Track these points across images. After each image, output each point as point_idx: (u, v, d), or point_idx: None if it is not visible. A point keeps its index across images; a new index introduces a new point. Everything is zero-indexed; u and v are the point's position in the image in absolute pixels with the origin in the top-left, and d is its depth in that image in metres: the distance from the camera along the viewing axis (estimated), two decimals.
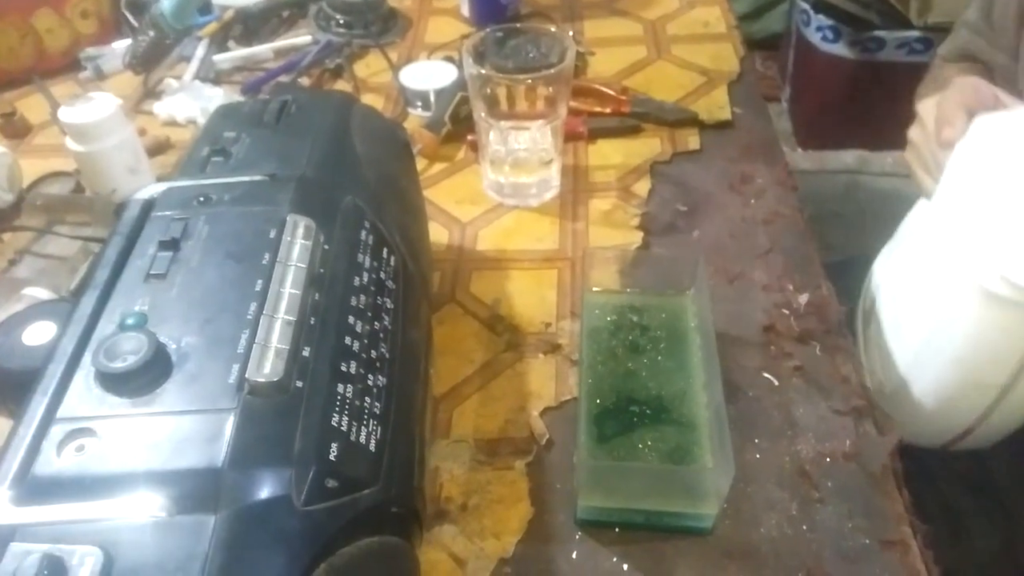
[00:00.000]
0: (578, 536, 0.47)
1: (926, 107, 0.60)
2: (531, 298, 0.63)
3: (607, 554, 0.46)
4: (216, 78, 0.91)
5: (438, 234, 0.69)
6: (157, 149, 0.80)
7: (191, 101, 0.85)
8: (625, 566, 0.46)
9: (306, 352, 0.37)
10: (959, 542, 0.64)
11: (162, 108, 0.85)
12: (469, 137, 0.78)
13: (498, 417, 0.54)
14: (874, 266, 0.68)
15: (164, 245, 0.42)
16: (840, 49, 1.50)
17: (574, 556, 0.46)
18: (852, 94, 1.48)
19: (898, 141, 0.85)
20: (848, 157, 1.59)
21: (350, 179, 0.49)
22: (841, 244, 1.17)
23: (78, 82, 0.92)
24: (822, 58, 1.53)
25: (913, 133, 0.62)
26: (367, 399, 0.38)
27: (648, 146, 0.77)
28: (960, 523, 0.65)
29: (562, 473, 0.50)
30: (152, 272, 0.40)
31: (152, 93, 0.89)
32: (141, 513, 0.31)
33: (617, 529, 0.47)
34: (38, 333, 0.41)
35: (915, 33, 1.46)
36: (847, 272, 0.76)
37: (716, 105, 0.81)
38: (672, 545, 0.47)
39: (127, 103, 0.87)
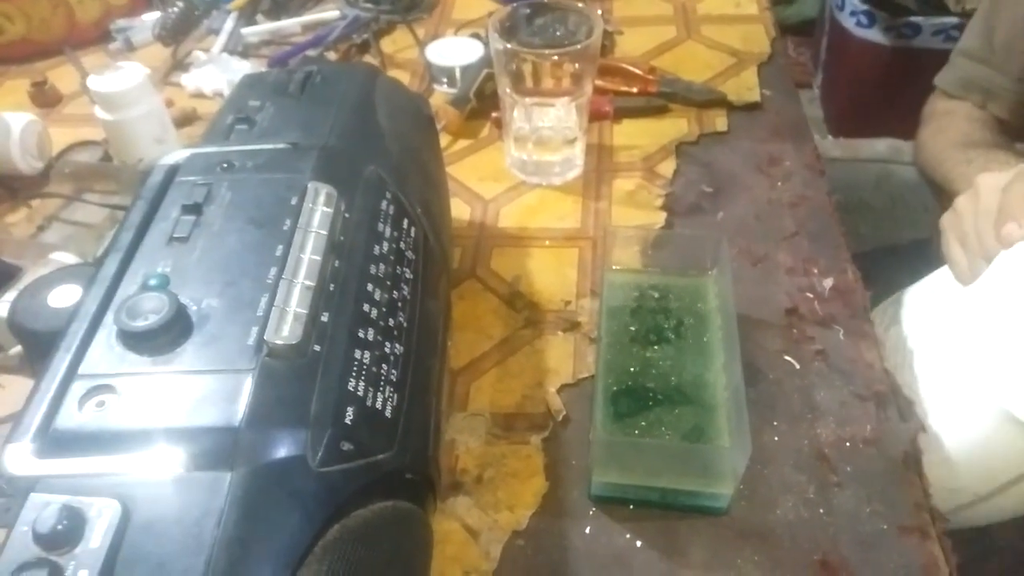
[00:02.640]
0: (592, 512, 0.47)
1: (988, 183, 0.55)
2: (551, 276, 0.62)
3: (620, 530, 0.46)
4: (244, 51, 0.91)
5: (460, 210, 0.69)
6: (184, 120, 0.80)
7: (219, 73, 0.85)
8: (638, 543, 0.46)
9: (324, 317, 0.37)
10: (980, 535, 0.63)
11: (190, 80, 0.86)
12: (493, 115, 0.77)
13: (515, 392, 0.54)
14: (907, 297, 0.62)
15: (187, 209, 0.42)
16: (874, 35, 1.47)
17: (587, 531, 0.46)
18: (885, 81, 1.45)
19: None
20: (880, 146, 1.57)
21: (373, 150, 0.49)
22: (870, 234, 1.16)
23: (108, 53, 0.93)
24: (856, 44, 1.50)
25: (962, 203, 0.57)
26: (384, 366, 0.38)
27: (675, 127, 0.77)
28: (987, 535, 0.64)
29: (578, 449, 0.50)
30: (175, 235, 0.41)
31: (180, 65, 0.89)
32: (159, 468, 0.31)
33: (631, 506, 0.47)
34: (63, 296, 0.41)
35: (952, 19, 1.43)
36: (876, 262, 0.75)
37: (745, 87, 0.80)
38: (687, 524, 0.46)
39: (155, 74, 0.88)
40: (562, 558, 0.45)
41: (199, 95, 0.85)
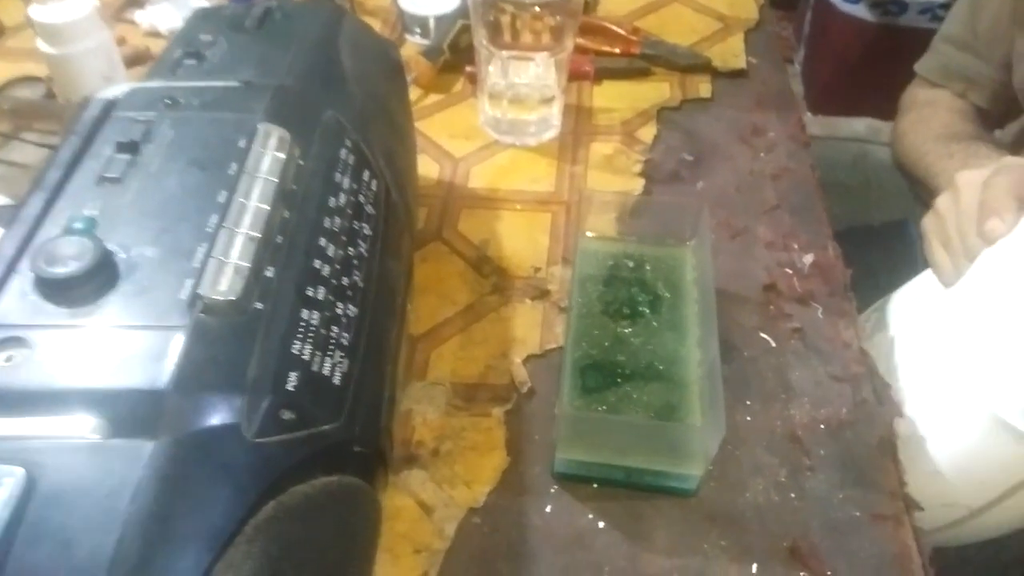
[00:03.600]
0: (554, 490, 0.45)
1: (967, 181, 0.53)
2: (522, 241, 0.59)
3: (583, 510, 0.44)
4: None
5: (428, 168, 0.65)
6: (136, 59, 0.75)
7: (175, 11, 0.80)
8: (601, 524, 0.43)
9: (269, 272, 0.34)
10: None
11: (144, 17, 0.80)
12: (468, 68, 0.73)
13: (478, 362, 0.51)
14: (892, 304, 0.59)
15: (122, 147, 0.38)
16: (860, 11, 1.44)
17: (548, 510, 0.44)
18: (869, 59, 1.42)
19: None
20: (859, 125, 1.55)
21: (333, 93, 0.45)
22: (844, 215, 1.14)
23: None
24: (840, 19, 1.47)
25: (943, 204, 0.54)
26: (335, 328, 0.35)
27: (657, 91, 0.73)
28: None
29: (542, 424, 0.48)
30: (106, 175, 0.37)
31: (135, 1, 0.84)
32: (72, 433, 0.28)
33: (595, 485, 0.45)
34: None
35: None
36: (849, 243, 0.73)
37: (731, 53, 0.77)
38: (652, 505, 0.44)
39: (107, 10, 0.82)
40: (520, 537, 0.43)
41: (154, 33, 0.80)
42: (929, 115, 0.75)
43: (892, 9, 1.40)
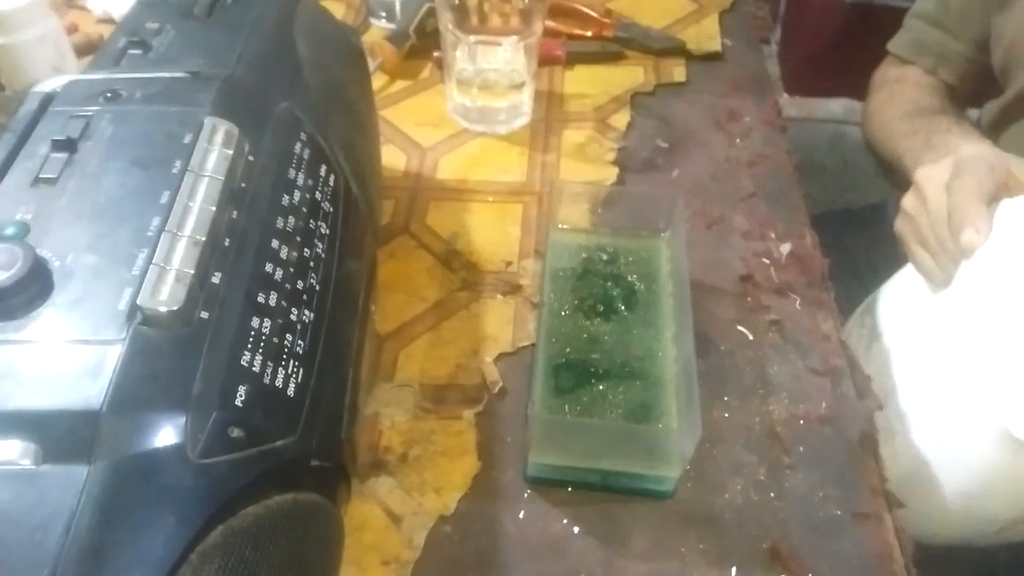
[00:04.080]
0: (527, 494, 0.43)
1: (927, 178, 0.51)
2: (493, 233, 0.57)
3: (557, 515, 0.42)
4: None
5: (395, 159, 0.63)
6: (88, 48, 0.72)
7: None
8: (576, 529, 0.42)
9: (216, 278, 0.32)
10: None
11: (97, 3, 0.77)
12: (435, 54, 0.71)
13: (448, 361, 0.49)
14: (880, 300, 0.57)
15: (58, 145, 0.36)
16: None
17: (521, 516, 0.42)
18: (845, 39, 1.41)
19: None
20: (835, 106, 1.54)
21: (288, 83, 0.43)
22: (823, 196, 1.13)
23: None
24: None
25: (909, 205, 0.52)
26: (288, 336, 0.33)
27: (630, 75, 0.71)
28: None
29: (514, 425, 0.46)
30: (41, 176, 0.34)
31: None
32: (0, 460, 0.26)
33: (570, 489, 0.43)
34: None
35: None
36: (827, 225, 0.71)
37: (706, 35, 0.75)
38: (629, 508, 0.43)
39: None
40: (492, 545, 0.41)
41: (107, 20, 0.77)
42: (897, 92, 0.74)
43: None
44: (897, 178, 0.68)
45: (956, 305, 0.48)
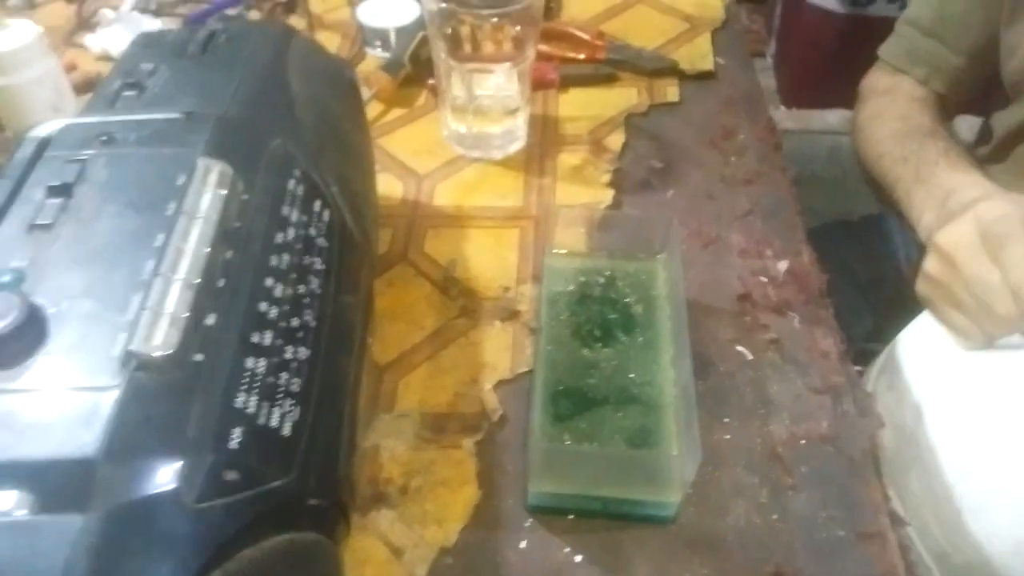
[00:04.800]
0: (528, 524, 0.43)
1: (955, 246, 0.48)
2: (490, 259, 0.58)
3: (559, 544, 0.42)
4: (157, 9, 0.83)
5: (392, 187, 0.63)
6: (87, 86, 0.73)
7: (127, 34, 0.77)
8: (578, 558, 0.42)
9: (210, 320, 0.32)
10: None
11: (95, 41, 0.78)
12: (430, 81, 0.71)
13: (447, 390, 0.49)
14: (899, 347, 0.55)
15: (54, 191, 0.36)
16: (829, 2, 1.43)
17: (523, 546, 0.42)
18: (840, 50, 1.42)
19: None
20: (832, 117, 1.54)
21: (281, 120, 0.43)
22: (822, 208, 1.13)
23: (5, 10, 0.84)
24: (810, 11, 1.47)
25: (936, 270, 0.50)
26: (283, 375, 0.33)
27: (623, 96, 0.72)
28: None
29: (514, 453, 0.46)
30: (37, 222, 0.35)
31: (86, 24, 0.81)
32: None
33: (572, 516, 0.43)
34: None
35: None
36: (826, 238, 0.71)
37: (698, 54, 0.76)
38: (631, 535, 0.42)
39: (56, 35, 0.80)
40: None
41: (106, 57, 0.77)
42: (887, 105, 0.72)
43: (860, 0, 1.39)
44: (884, 197, 0.67)
45: (998, 361, 0.47)
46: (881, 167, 0.67)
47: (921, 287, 0.53)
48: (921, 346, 0.53)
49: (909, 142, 0.65)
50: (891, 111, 0.70)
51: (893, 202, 0.65)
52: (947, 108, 0.73)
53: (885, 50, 0.75)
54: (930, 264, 0.51)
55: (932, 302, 0.52)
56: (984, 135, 0.74)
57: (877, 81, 0.75)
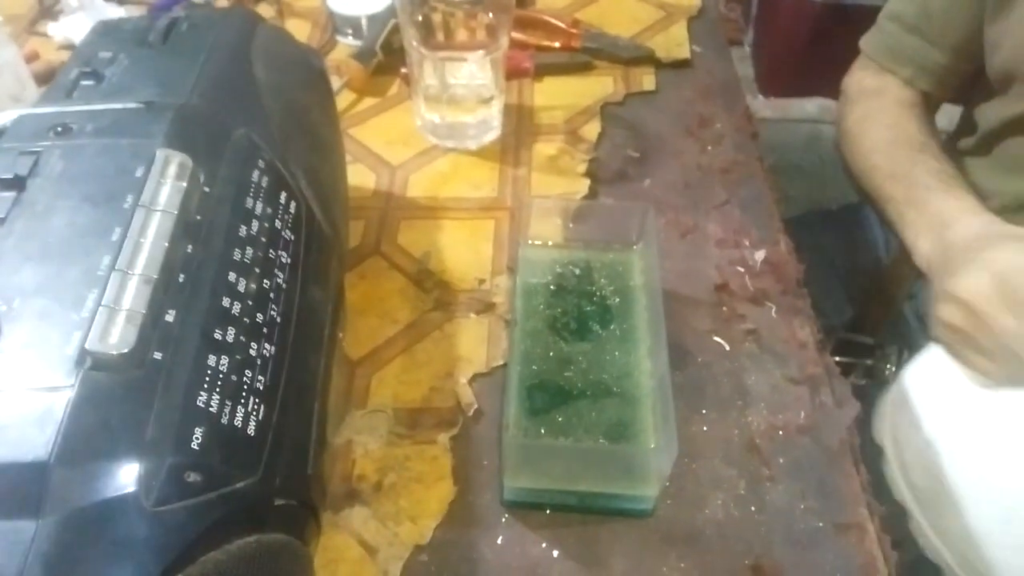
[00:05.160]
0: (504, 519, 0.42)
1: (977, 297, 0.47)
2: (465, 251, 0.57)
3: (535, 539, 0.42)
4: None
5: (364, 178, 0.62)
6: (49, 76, 0.70)
7: (91, 22, 0.74)
8: (555, 552, 0.41)
9: (170, 316, 0.31)
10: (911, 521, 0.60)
11: (58, 29, 0.76)
12: (403, 70, 0.70)
13: (422, 384, 0.48)
14: (906, 382, 0.54)
15: (5, 184, 0.35)
16: None
17: (499, 542, 0.42)
18: (817, 39, 1.42)
19: None
20: (810, 106, 1.55)
21: (245, 109, 0.42)
22: (801, 196, 1.13)
23: None
24: (788, 0, 1.47)
25: (957, 319, 0.49)
26: (247, 372, 0.32)
27: (599, 85, 0.71)
28: None
29: (490, 448, 0.45)
30: None
31: (48, 12, 0.79)
32: None
33: (548, 511, 0.42)
34: None
35: None
36: (805, 227, 0.71)
37: (674, 42, 0.75)
38: (608, 529, 0.42)
39: (18, 23, 0.78)
40: (470, 573, 0.40)
41: (68, 46, 0.75)
42: (876, 111, 0.70)
43: None
44: (875, 207, 0.67)
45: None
46: (871, 181, 0.66)
47: (941, 334, 0.51)
48: (937, 381, 0.52)
49: (899, 157, 0.64)
50: (880, 118, 0.69)
51: (883, 217, 0.64)
52: (931, 105, 0.72)
53: (868, 45, 0.74)
54: (948, 313, 0.50)
55: (954, 348, 0.51)
56: (965, 125, 0.73)
57: (863, 80, 0.73)
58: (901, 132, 0.66)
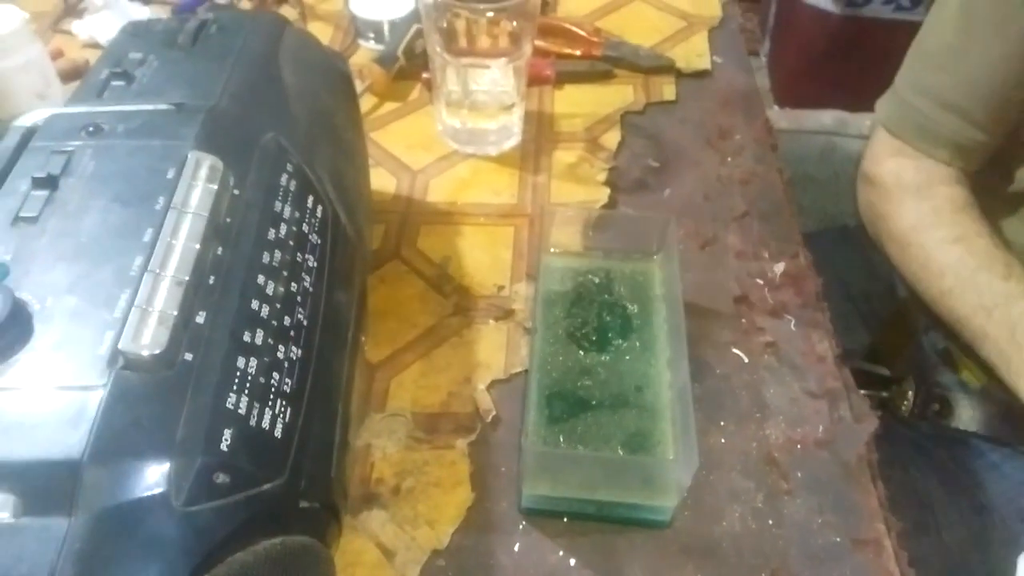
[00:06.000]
0: (522, 526, 0.42)
1: None
2: (484, 257, 0.57)
3: (553, 547, 0.42)
4: None
5: (385, 182, 0.63)
6: (74, 73, 0.71)
7: (116, 21, 0.76)
8: (572, 561, 0.41)
9: (200, 318, 0.31)
10: (927, 533, 0.60)
11: (83, 28, 0.77)
12: (425, 75, 0.71)
13: (440, 389, 0.49)
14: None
15: (39, 183, 0.35)
16: (824, 2, 1.44)
17: (516, 548, 0.42)
18: (834, 51, 1.42)
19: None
20: (826, 117, 1.54)
21: (273, 113, 0.42)
22: (813, 208, 1.12)
23: None
24: (805, 11, 1.47)
25: None
26: (275, 375, 0.32)
27: (620, 94, 0.71)
28: (930, 514, 0.61)
29: (508, 454, 0.45)
30: (22, 215, 0.34)
31: (73, 11, 0.80)
32: None
33: (566, 519, 0.43)
34: None
35: None
36: (817, 244, 0.70)
37: (695, 53, 0.75)
38: (626, 539, 0.42)
39: (43, 21, 0.78)
40: None
41: (93, 45, 0.76)
42: (931, 218, 0.62)
43: (856, 1, 1.39)
44: (953, 330, 0.61)
45: None
46: (951, 307, 0.60)
47: None
48: None
49: (984, 285, 0.57)
50: (941, 230, 0.61)
51: (972, 348, 0.59)
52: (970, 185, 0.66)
53: (893, 122, 0.65)
54: None
55: None
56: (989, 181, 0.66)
57: (901, 173, 0.65)
58: (974, 245, 0.59)
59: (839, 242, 0.88)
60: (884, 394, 0.70)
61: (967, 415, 0.66)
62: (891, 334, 0.78)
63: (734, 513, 0.43)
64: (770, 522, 0.43)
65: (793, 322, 0.53)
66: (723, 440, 0.46)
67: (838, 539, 0.42)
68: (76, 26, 0.77)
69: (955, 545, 0.60)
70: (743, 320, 0.53)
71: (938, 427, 0.66)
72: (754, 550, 0.42)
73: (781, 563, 0.41)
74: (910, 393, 0.68)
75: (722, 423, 0.47)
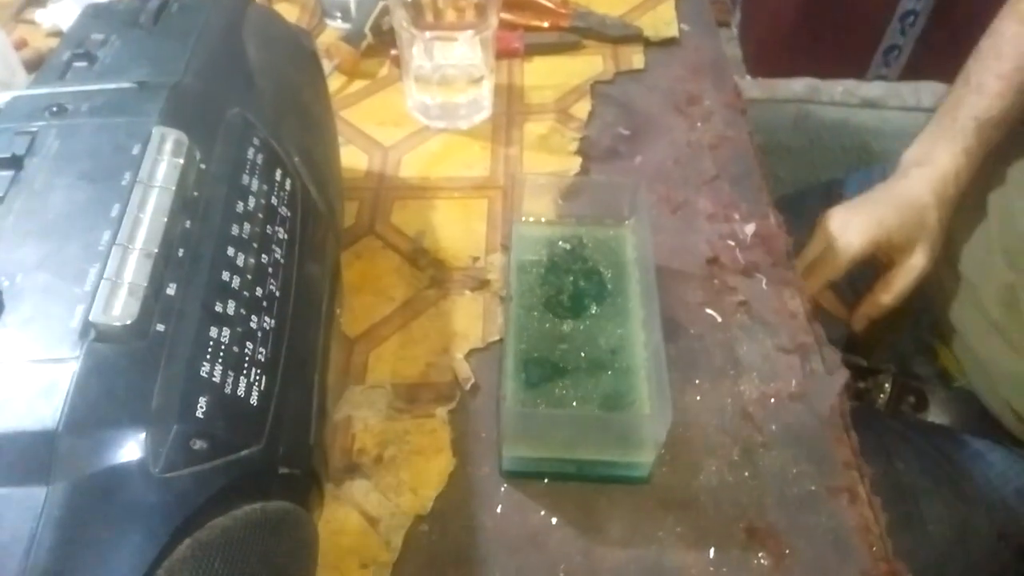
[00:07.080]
0: (503, 489, 0.43)
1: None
2: (458, 230, 0.57)
3: (535, 507, 0.42)
4: None
5: (357, 159, 0.63)
6: (38, 63, 0.70)
7: (79, 9, 0.74)
8: (554, 520, 0.42)
9: (171, 290, 0.31)
10: (911, 526, 0.61)
11: (46, 16, 0.76)
12: (392, 52, 0.70)
13: (419, 360, 0.49)
14: None
15: (3, 163, 0.35)
16: None
17: (499, 510, 0.42)
18: (805, 19, 1.43)
19: (850, 69, 0.77)
20: (797, 85, 1.55)
21: (239, 89, 0.42)
22: (789, 176, 1.13)
23: None
24: None
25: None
26: (249, 344, 0.33)
27: (589, 64, 0.71)
28: (915, 505, 0.62)
29: (487, 421, 0.46)
30: None
31: (36, 0, 0.79)
32: None
33: (546, 480, 0.43)
34: None
35: None
36: (795, 206, 0.71)
37: (662, 21, 0.75)
38: (606, 496, 0.43)
39: (5, 11, 0.77)
40: (470, 541, 0.41)
41: (57, 33, 0.75)
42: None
43: None
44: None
45: None
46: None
47: None
48: None
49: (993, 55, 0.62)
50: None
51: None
52: None
53: None
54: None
55: None
56: None
57: None
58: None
59: (804, 198, 0.88)
60: (861, 385, 0.71)
61: (943, 410, 0.68)
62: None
63: (711, 467, 0.44)
64: (746, 474, 0.44)
65: (764, 280, 0.53)
66: (698, 398, 0.47)
67: (813, 487, 0.43)
68: (40, 15, 0.76)
69: (940, 537, 0.61)
70: (715, 281, 0.53)
71: (913, 420, 0.67)
72: (732, 501, 0.43)
73: (758, 513, 0.42)
74: (887, 385, 0.69)
75: (697, 381, 0.48)
